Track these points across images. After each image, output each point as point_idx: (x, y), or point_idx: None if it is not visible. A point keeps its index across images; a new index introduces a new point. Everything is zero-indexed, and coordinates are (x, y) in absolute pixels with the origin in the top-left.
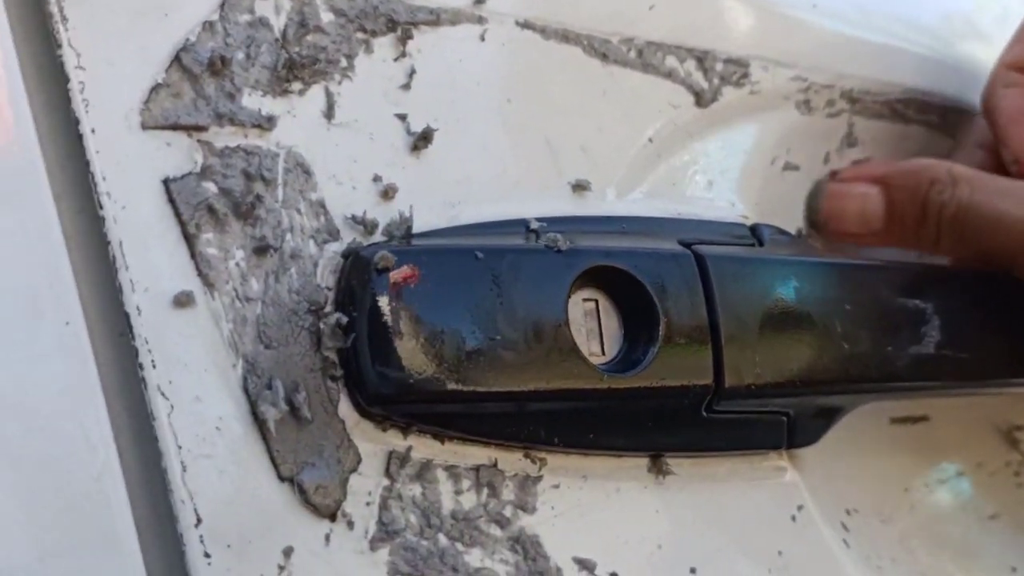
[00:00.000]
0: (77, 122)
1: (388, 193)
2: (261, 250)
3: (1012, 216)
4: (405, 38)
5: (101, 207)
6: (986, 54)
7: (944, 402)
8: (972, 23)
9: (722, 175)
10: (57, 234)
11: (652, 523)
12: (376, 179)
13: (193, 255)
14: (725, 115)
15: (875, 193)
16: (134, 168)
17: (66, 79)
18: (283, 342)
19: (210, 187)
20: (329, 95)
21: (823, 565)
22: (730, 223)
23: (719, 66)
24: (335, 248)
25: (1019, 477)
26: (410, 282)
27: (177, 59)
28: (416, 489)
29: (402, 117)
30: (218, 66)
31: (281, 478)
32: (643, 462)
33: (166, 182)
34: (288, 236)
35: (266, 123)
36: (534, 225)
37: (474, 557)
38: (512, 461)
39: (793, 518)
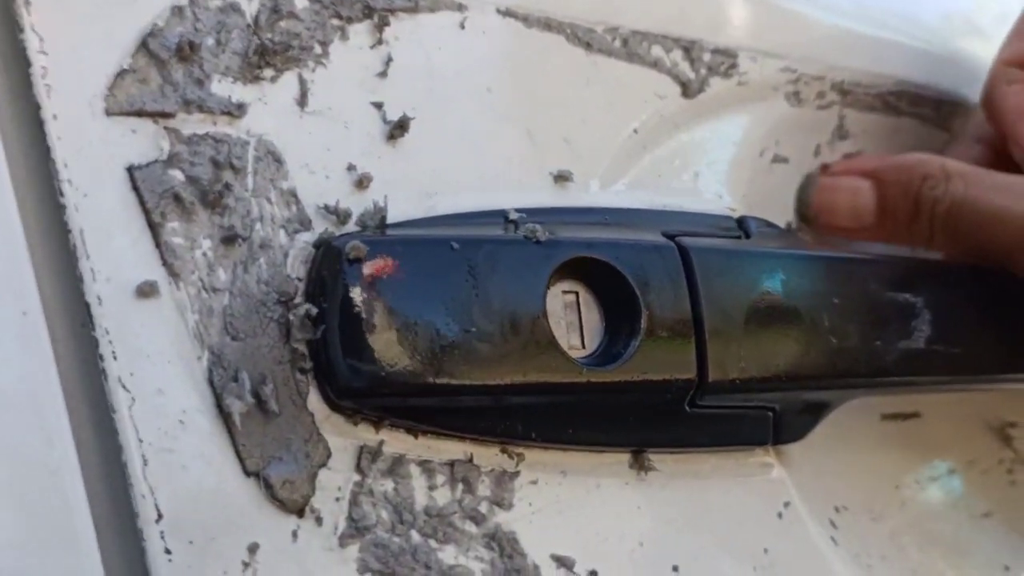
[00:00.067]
0: (38, 108)
1: (362, 183)
2: (229, 240)
3: (1008, 212)
4: (382, 25)
5: (62, 195)
6: (983, 50)
7: (936, 398)
8: (971, 21)
9: (709, 167)
10: (16, 222)
11: (633, 520)
12: (350, 168)
13: (158, 244)
14: (712, 106)
15: (867, 187)
16: (97, 155)
17: (28, 64)
18: (251, 333)
19: (177, 175)
20: (302, 82)
21: (810, 563)
22: (716, 215)
23: (706, 56)
24: (306, 238)
25: (1012, 475)
26: (384, 273)
27: (144, 44)
28: (388, 484)
29: (378, 105)
30: (186, 52)
31: (247, 473)
32: (624, 458)
33: (130, 170)
34: (258, 225)
35: (236, 110)
36: (513, 216)
37: (448, 554)
38: (488, 456)
39: (779, 515)
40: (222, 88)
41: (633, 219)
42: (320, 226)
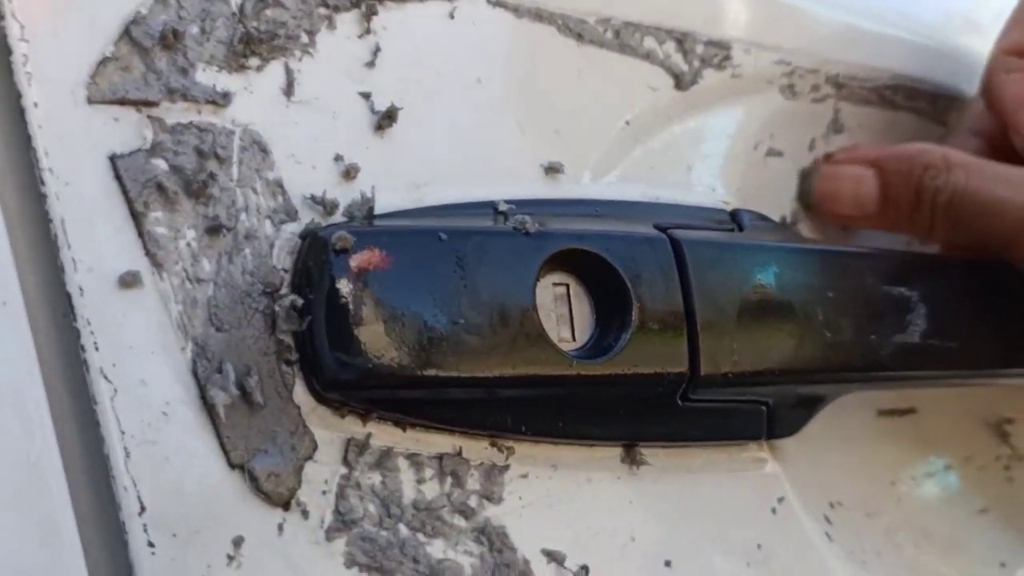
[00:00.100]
0: (19, 95)
1: (350, 173)
2: (214, 230)
3: (1008, 202)
4: (370, 14)
5: (43, 183)
6: (982, 46)
7: (932, 394)
8: (970, 19)
9: (702, 160)
10: None
11: (625, 515)
12: (337, 159)
13: (141, 234)
14: (706, 98)
15: (870, 176)
16: (79, 144)
17: (9, 51)
18: (235, 325)
19: (160, 164)
20: (289, 72)
21: (805, 559)
22: (709, 208)
23: (699, 48)
24: (292, 229)
25: (1009, 471)
26: (372, 265)
27: (127, 32)
28: (375, 478)
29: (366, 96)
30: (170, 40)
31: (232, 465)
32: (616, 452)
33: (113, 158)
34: (243, 216)
35: (221, 99)
36: (502, 207)
37: (437, 548)
38: (478, 450)
39: (773, 511)
40: (207, 77)
41: (625, 211)
42: (306, 217)
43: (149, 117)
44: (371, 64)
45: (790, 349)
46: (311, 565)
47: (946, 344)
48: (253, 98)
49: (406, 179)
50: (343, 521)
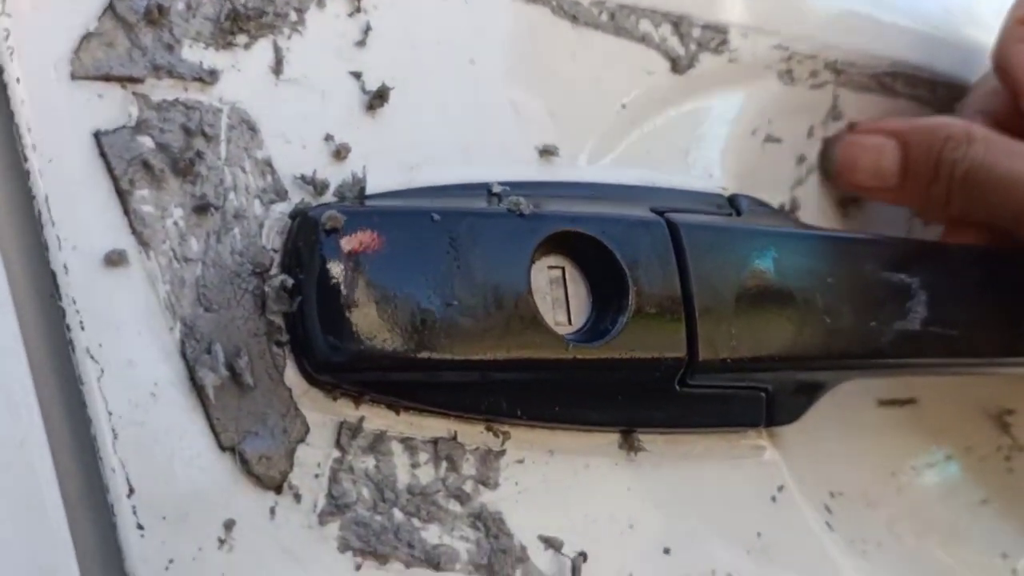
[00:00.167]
0: (1, 70)
1: (340, 153)
2: (201, 209)
3: (1021, 176)
4: None
5: (26, 159)
6: (981, 35)
7: (932, 384)
8: (971, 13)
9: (699, 144)
10: None
11: (623, 501)
12: (328, 138)
13: (127, 212)
14: (703, 83)
15: (891, 147)
16: (63, 120)
17: None
18: (224, 305)
19: (146, 142)
20: (277, 50)
21: (805, 548)
22: (707, 193)
23: (696, 32)
24: (282, 208)
25: (1009, 462)
26: (365, 247)
27: (111, 7)
28: (369, 461)
29: (356, 75)
30: (155, 15)
31: (222, 447)
32: (614, 438)
33: (97, 135)
34: (231, 195)
35: (208, 77)
36: (496, 188)
37: (432, 533)
38: (473, 434)
39: (773, 499)
40: (193, 54)
41: (621, 195)
42: (296, 196)
43: (134, 94)
44: (362, 43)
45: (789, 335)
46: (304, 549)
47: (947, 332)
48: (241, 76)
49: (398, 160)
50: (336, 505)
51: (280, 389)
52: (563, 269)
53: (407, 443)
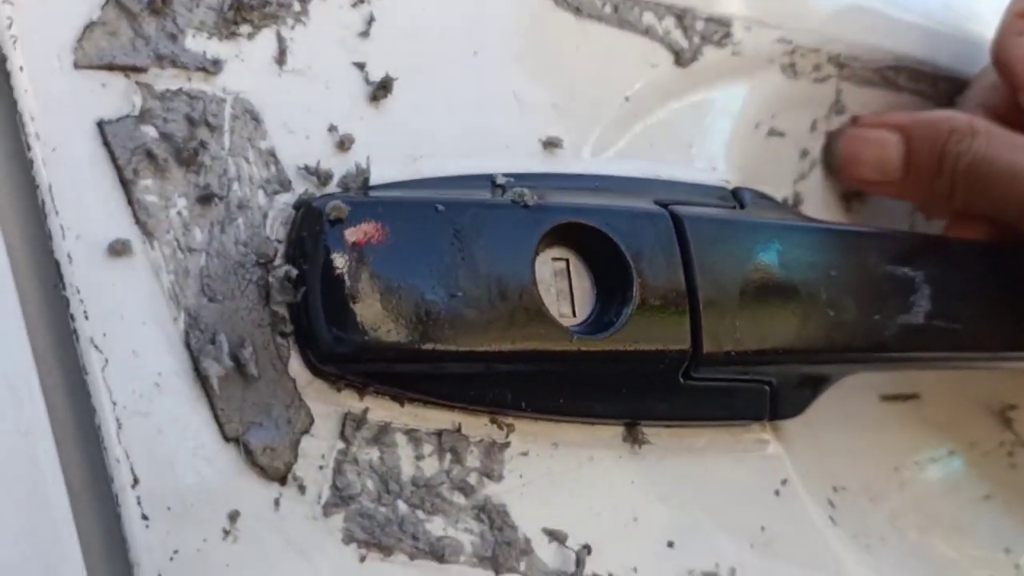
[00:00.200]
0: (4, 59)
1: (344, 144)
2: (205, 199)
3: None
4: None
5: (29, 148)
6: (983, 30)
7: (935, 380)
8: (973, 10)
9: (703, 138)
10: None
11: (627, 494)
12: (331, 129)
13: (130, 202)
14: (706, 76)
15: (895, 140)
16: (66, 109)
17: None
18: (228, 295)
19: (149, 131)
20: (281, 40)
21: (808, 542)
22: (710, 186)
23: (699, 24)
24: (286, 199)
25: (1012, 457)
26: (369, 239)
27: None
28: (373, 453)
29: (360, 66)
30: (158, 5)
31: (226, 438)
32: (618, 431)
33: (101, 124)
34: (235, 185)
35: (211, 67)
36: (500, 180)
37: (436, 525)
38: (477, 426)
39: (777, 492)
40: (196, 44)
41: (625, 187)
42: (300, 187)
43: (137, 83)
44: (365, 34)
45: (793, 328)
46: (308, 541)
47: (950, 326)
48: (244, 66)
49: (402, 151)
50: (341, 497)
51: (284, 380)
52: (567, 261)
53: (411, 435)
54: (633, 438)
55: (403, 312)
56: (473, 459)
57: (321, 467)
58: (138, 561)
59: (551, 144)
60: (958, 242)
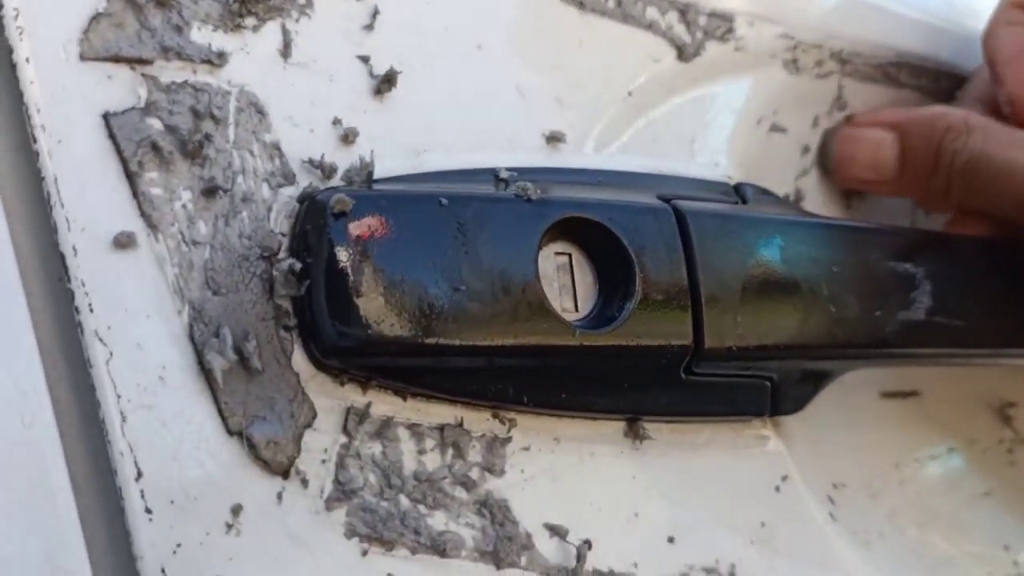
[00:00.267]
0: (11, 51)
1: (348, 137)
2: (210, 192)
3: (1021, 165)
4: None
5: (35, 140)
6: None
7: (935, 377)
8: (975, 4)
9: (705, 133)
10: None
11: (628, 490)
12: (336, 122)
13: (135, 194)
14: (709, 71)
15: (890, 139)
16: (72, 101)
17: None
18: (233, 289)
19: (155, 123)
20: (286, 33)
21: (808, 538)
22: (713, 181)
23: (702, 19)
24: (290, 192)
25: (1012, 455)
26: (373, 233)
27: None
28: (376, 447)
29: (364, 59)
30: None
31: (229, 432)
32: (619, 426)
33: (106, 116)
34: (240, 178)
35: (217, 59)
36: (504, 174)
37: (438, 520)
38: (479, 421)
39: (777, 488)
40: (202, 36)
41: (627, 181)
42: (304, 180)
43: (143, 75)
44: (370, 27)
45: (795, 324)
46: (311, 534)
47: (951, 322)
48: (249, 59)
49: (406, 145)
50: (343, 491)
51: (288, 374)
52: (570, 255)
53: (414, 429)
54: (634, 433)
55: (406, 306)
56: (475, 454)
57: (324, 461)
58: (141, 554)
59: (554, 138)
60: (959, 238)
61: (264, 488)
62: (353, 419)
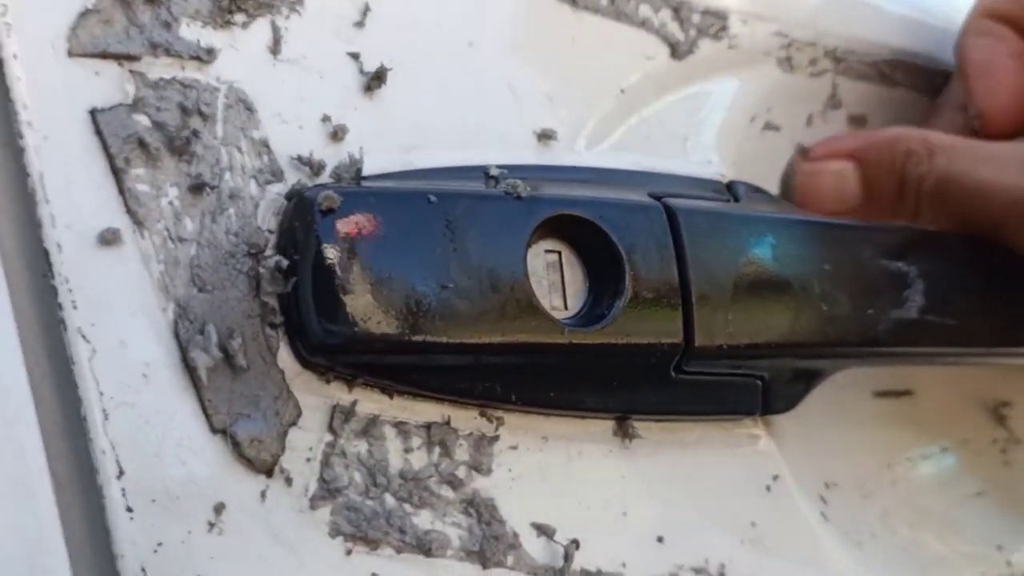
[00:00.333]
0: None
1: (337, 134)
2: (197, 188)
3: (993, 183)
4: None
5: (21, 136)
6: None
7: (928, 376)
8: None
9: (698, 131)
10: None
11: (617, 489)
12: (325, 119)
13: (121, 191)
14: (702, 69)
15: (850, 170)
16: (59, 97)
17: None
18: (218, 286)
19: (142, 120)
20: (275, 29)
21: (799, 538)
22: (705, 179)
23: (696, 17)
24: (278, 189)
25: (1005, 454)
26: (361, 230)
27: None
28: (361, 446)
29: (355, 56)
30: None
31: (213, 430)
32: (608, 425)
33: (93, 113)
34: (227, 175)
35: (205, 55)
36: (493, 171)
37: (423, 519)
38: (466, 419)
39: (768, 488)
40: (190, 32)
41: (618, 179)
42: (292, 177)
43: (131, 71)
44: (360, 24)
45: (786, 322)
46: (295, 534)
47: (944, 321)
48: (238, 55)
49: (395, 142)
50: (328, 490)
51: (273, 371)
52: (560, 253)
53: (400, 427)
54: (624, 432)
55: (394, 303)
56: (462, 452)
57: (308, 459)
58: (122, 553)
59: (545, 136)
60: (952, 237)
61: (248, 487)
62: (339, 417)
